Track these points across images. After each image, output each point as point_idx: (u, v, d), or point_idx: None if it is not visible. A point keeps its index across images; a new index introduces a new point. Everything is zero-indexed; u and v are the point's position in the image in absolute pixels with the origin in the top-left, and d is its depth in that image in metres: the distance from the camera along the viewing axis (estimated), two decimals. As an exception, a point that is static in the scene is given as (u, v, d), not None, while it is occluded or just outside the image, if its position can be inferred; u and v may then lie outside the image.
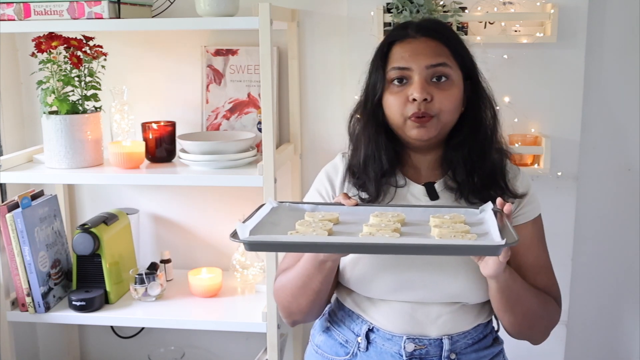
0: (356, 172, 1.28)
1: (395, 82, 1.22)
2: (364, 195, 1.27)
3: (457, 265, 1.18)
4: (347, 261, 1.22)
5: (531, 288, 1.21)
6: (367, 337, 1.23)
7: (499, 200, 1.12)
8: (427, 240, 1.00)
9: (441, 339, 1.20)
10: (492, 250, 0.97)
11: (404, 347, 1.20)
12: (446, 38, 1.23)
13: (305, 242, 1.01)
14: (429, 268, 1.18)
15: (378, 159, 1.25)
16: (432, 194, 1.25)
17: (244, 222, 1.07)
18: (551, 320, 1.27)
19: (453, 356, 1.21)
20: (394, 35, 1.25)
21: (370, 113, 1.26)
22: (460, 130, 1.24)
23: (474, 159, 1.23)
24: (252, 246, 1.01)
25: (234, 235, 1.01)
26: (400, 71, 1.21)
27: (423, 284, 1.18)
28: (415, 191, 1.26)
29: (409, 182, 1.27)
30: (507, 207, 1.08)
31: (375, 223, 1.09)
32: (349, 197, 1.18)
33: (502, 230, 1.02)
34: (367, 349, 1.23)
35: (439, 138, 1.24)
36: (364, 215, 1.14)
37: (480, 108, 1.26)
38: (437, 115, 1.19)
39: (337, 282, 1.28)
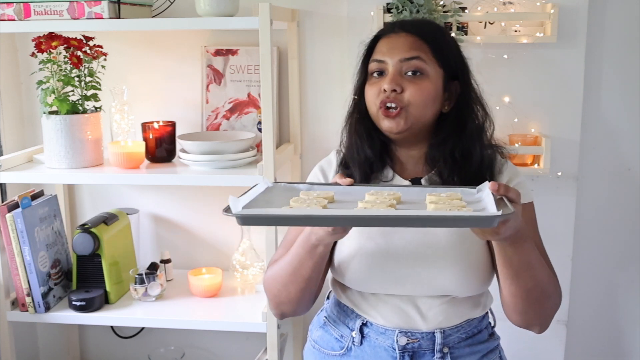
0: (346, 162, 1.31)
1: (375, 74, 1.25)
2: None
3: (444, 259, 1.18)
4: (342, 258, 1.23)
5: (543, 262, 1.17)
6: (361, 331, 1.26)
7: (491, 184, 1.07)
8: (422, 212, 0.98)
9: (433, 333, 1.22)
10: (487, 221, 0.95)
11: (397, 341, 1.22)
12: (428, 35, 1.24)
13: (300, 215, 0.98)
14: (417, 263, 1.19)
15: (361, 148, 1.28)
16: None
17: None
18: (557, 302, 1.22)
19: (446, 350, 1.22)
20: (381, 31, 1.29)
21: (355, 104, 1.30)
22: (444, 129, 1.25)
23: (456, 157, 1.23)
24: (245, 220, 0.98)
25: (227, 209, 0.99)
26: (377, 64, 1.24)
27: (412, 279, 1.19)
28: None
29: (395, 177, 1.29)
30: (493, 185, 1.04)
31: (371, 200, 1.07)
32: (345, 177, 1.17)
33: (499, 204, 1.00)
34: (361, 343, 1.25)
35: (414, 132, 1.24)
36: (360, 194, 1.12)
37: (467, 108, 1.26)
38: (405, 108, 1.21)
39: (334, 279, 1.30)
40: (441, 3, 1.76)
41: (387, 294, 1.23)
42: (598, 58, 1.86)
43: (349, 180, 1.15)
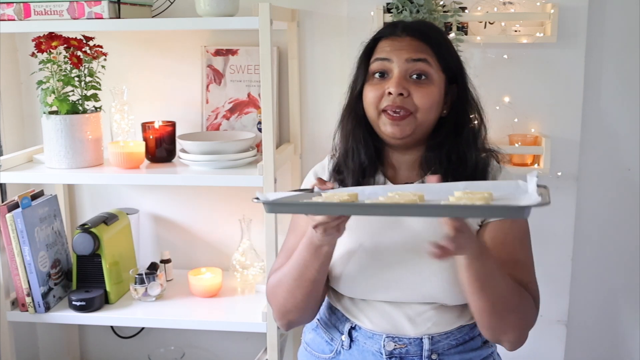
0: (340, 168, 1.29)
1: (377, 75, 1.23)
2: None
3: (433, 266, 1.17)
4: (333, 262, 1.22)
5: (506, 275, 1.15)
6: (350, 335, 1.25)
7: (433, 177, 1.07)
8: (450, 202, 0.94)
9: (421, 339, 1.21)
10: (518, 211, 0.91)
11: (384, 346, 1.22)
12: (431, 39, 1.23)
13: (326, 203, 0.98)
14: (406, 268, 1.19)
15: (357, 153, 1.26)
16: None
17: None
18: (525, 317, 1.19)
19: (434, 356, 1.21)
20: (381, 32, 1.27)
21: (351, 107, 1.28)
22: (441, 132, 1.24)
23: (452, 160, 1.22)
24: (273, 207, 1.02)
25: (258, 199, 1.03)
26: (382, 62, 1.22)
27: (400, 284, 1.19)
28: None
29: (387, 183, 1.27)
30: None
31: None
32: (324, 182, 1.14)
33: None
34: (350, 347, 1.25)
35: (415, 138, 1.23)
36: (378, 195, 1.09)
37: (464, 112, 1.25)
38: (414, 113, 1.20)
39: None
40: (441, 3, 1.76)
41: (377, 300, 1.22)
42: (598, 58, 1.86)
43: (329, 185, 1.13)
